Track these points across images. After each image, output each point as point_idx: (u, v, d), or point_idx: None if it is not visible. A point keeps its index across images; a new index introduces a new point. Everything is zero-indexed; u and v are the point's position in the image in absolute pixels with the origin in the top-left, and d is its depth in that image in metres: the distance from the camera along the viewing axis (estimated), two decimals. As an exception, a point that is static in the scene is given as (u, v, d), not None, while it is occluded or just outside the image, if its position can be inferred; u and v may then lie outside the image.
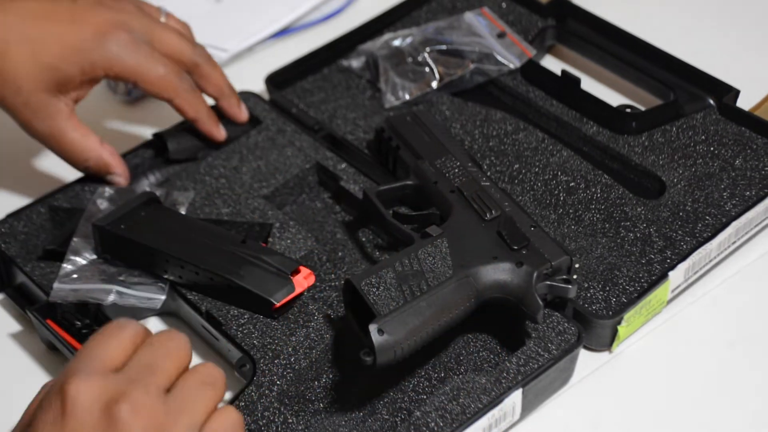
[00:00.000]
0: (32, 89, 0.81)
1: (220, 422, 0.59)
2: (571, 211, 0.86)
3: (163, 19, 0.89)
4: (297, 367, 0.75)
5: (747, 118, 0.89)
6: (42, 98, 0.82)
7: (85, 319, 0.78)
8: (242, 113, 0.92)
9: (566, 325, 0.76)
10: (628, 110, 0.93)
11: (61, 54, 0.81)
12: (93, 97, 1.01)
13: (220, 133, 0.90)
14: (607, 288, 0.79)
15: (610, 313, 0.78)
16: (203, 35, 1.06)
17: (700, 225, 0.82)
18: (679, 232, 0.82)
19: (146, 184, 0.89)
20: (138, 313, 0.81)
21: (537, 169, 0.88)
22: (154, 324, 0.82)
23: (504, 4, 1.03)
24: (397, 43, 0.99)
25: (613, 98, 0.98)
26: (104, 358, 0.59)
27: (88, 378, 0.57)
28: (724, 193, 0.84)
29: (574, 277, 0.78)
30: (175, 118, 0.90)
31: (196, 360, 0.80)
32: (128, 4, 0.86)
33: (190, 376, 0.60)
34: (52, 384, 0.59)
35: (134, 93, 1.01)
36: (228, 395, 0.77)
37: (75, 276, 0.79)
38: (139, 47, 0.83)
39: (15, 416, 0.78)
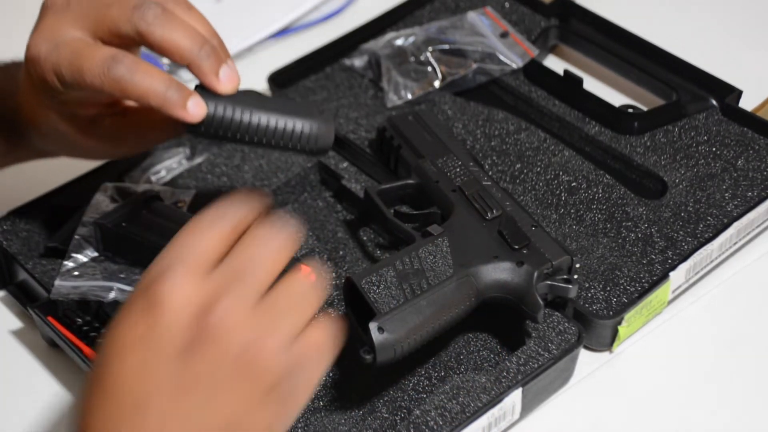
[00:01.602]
0: None
1: (318, 334, 0.56)
2: (572, 210, 0.86)
3: None
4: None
5: (749, 119, 0.89)
6: None
7: (86, 317, 0.78)
8: (220, 82, 0.68)
9: (566, 324, 0.76)
10: (631, 110, 0.93)
11: None
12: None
13: (187, 114, 0.67)
14: (608, 288, 0.79)
15: (611, 313, 0.78)
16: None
17: (701, 225, 0.82)
18: (681, 232, 0.82)
19: (148, 182, 0.89)
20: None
21: (539, 169, 0.88)
22: (155, 322, 0.82)
23: (507, 4, 1.03)
24: (399, 42, 0.99)
25: (616, 98, 0.97)
26: (200, 254, 0.55)
27: (181, 278, 0.53)
28: (726, 194, 0.84)
29: (575, 276, 0.78)
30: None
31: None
32: None
33: (289, 281, 0.56)
34: (142, 280, 0.55)
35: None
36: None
37: (76, 273, 0.79)
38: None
39: (16, 415, 0.78)
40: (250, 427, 0.54)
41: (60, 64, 0.68)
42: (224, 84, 0.68)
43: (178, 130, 0.73)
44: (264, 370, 0.54)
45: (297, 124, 0.69)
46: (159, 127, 0.74)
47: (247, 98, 0.70)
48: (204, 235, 0.56)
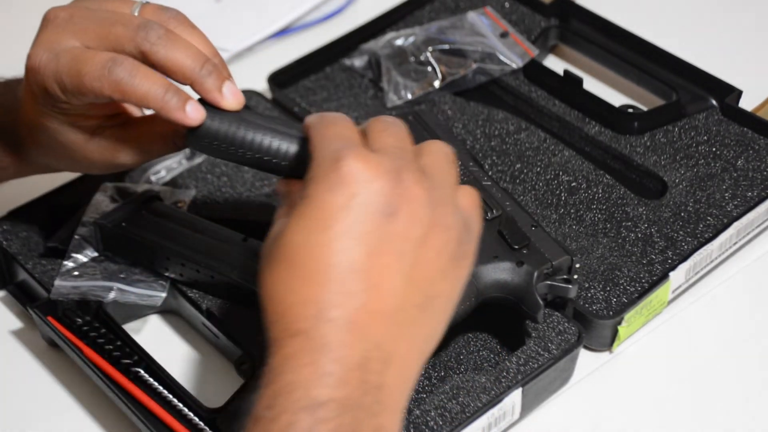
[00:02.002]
0: None
1: (469, 198, 0.62)
2: (572, 210, 0.86)
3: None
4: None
5: (749, 119, 0.89)
6: None
7: (86, 317, 0.78)
8: (224, 99, 0.69)
9: (566, 324, 0.75)
10: (631, 110, 0.93)
11: None
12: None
13: (186, 117, 0.68)
14: (608, 288, 0.79)
15: (611, 313, 0.78)
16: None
17: (701, 225, 0.82)
18: (681, 232, 0.82)
19: (148, 182, 0.89)
20: (138, 310, 0.81)
21: (539, 169, 0.88)
22: (155, 322, 0.82)
23: (507, 4, 1.03)
24: (399, 42, 0.99)
25: (616, 98, 0.98)
26: (357, 138, 0.60)
27: (364, 154, 0.58)
28: (726, 194, 0.84)
29: (575, 276, 0.78)
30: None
31: (195, 357, 0.80)
32: None
33: (432, 150, 0.62)
34: (319, 165, 0.58)
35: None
36: (228, 394, 0.77)
37: (76, 273, 0.79)
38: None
39: (15, 415, 0.78)
40: (444, 286, 0.60)
41: (60, 71, 0.68)
42: (228, 99, 0.69)
43: (177, 143, 0.74)
44: (449, 230, 0.59)
45: (292, 147, 0.68)
46: (159, 140, 0.74)
47: (248, 115, 0.70)
48: (346, 126, 0.61)
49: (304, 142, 0.66)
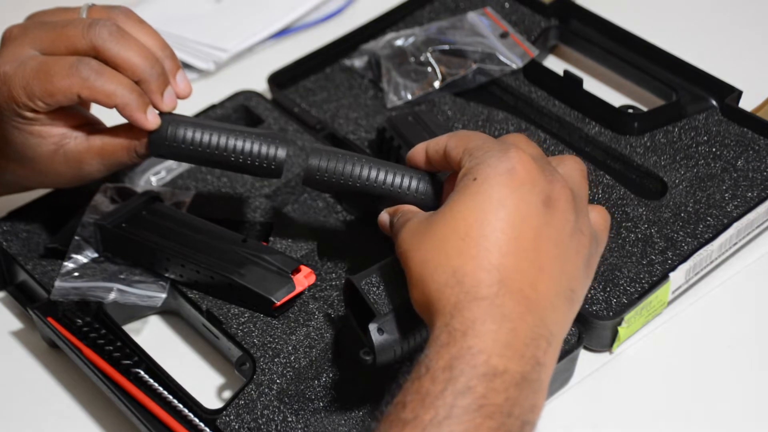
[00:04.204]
0: None
1: (600, 218, 0.68)
2: (572, 211, 0.86)
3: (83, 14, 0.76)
4: (297, 365, 0.75)
5: (749, 119, 0.89)
6: None
7: (86, 318, 0.78)
8: (164, 102, 0.75)
9: (566, 325, 0.75)
10: (631, 111, 0.93)
11: None
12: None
13: (146, 120, 0.74)
14: (608, 289, 0.79)
15: (611, 313, 0.78)
16: (203, 35, 1.06)
17: (701, 226, 0.82)
18: (681, 232, 0.82)
19: (148, 183, 0.89)
20: (138, 311, 0.81)
21: (539, 170, 0.88)
22: (155, 322, 0.82)
23: (507, 4, 1.03)
24: (399, 42, 0.99)
25: (616, 99, 0.97)
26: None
27: (526, 153, 0.64)
28: (726, 194, 0.84)
29: (575, 277, 0.78)
30: (185, 112, 0.90)
31: (195, 357, 0.80)
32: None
33: (568, 166, 0.68)
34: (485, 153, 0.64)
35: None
36: (228, 393, 0.78)
37: (76, 274, 0.79)
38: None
39: (15, 415, 0.78)
40: (580, 282, 0.64)
41: (27, 77, 0.72)
42: (166, 104, 0.75)
43: (140, 154, 0.76)
44: (586, 236, 0.65)
45: (255, 145, 0.75)
46: (122, 150, 0.76)
47: (208, 121, 0.76)
48: (485, 137, 0.68)
49: (264, 139, 0.75)
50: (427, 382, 0.58)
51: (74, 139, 0.76)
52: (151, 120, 0.74)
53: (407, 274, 0.64)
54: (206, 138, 0.75)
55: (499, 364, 0.58)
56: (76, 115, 0.76)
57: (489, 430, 0.57)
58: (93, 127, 0.77)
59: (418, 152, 0.72)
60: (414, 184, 0.73)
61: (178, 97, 0.76)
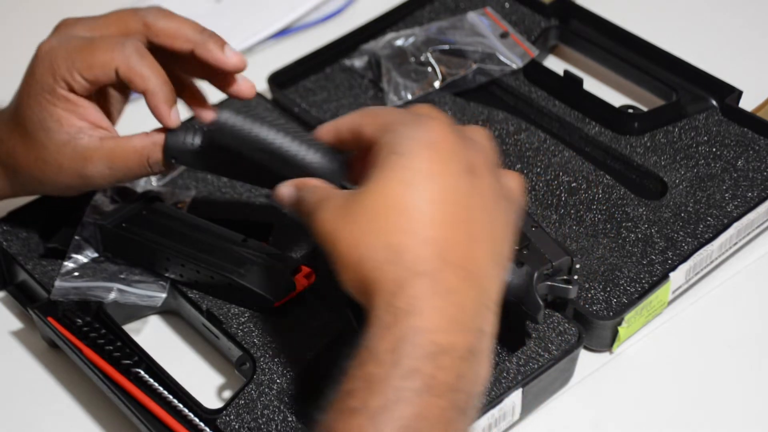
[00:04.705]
0: None
1: (514, 182, 0.66)
2: (572, 211, 0.86)
3: None
4: (297, 365, 0.75)
5: (749, 119, 0.89)
6: None
7: (86, 317, 0.78)
8: (227, 57, 0.74)
9: (567, 325, 0.75)
10: (631, 111, 0.93)
11: None
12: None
13: (168, 114, 0.75)
14: (608, 288, 0.79)
15: (611, 313, 0.78)
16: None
17: (701, 226, 0.82)
18: (681, 233, 0.82)
19: (148, 183, 0.89)
20: (138, 311, 0.81)
21: (539, 170, 0.88)
22: (155, 322, 0.82)
23: (507, 4, 1.03)
24: (399, 42, 0.99)
25: (616, 99, 0.97)
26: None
27: (442, 120, 0.63)
28: (726, 194, 0.84)
29: (575, 277, 0.78)
30: (185, 112, 0.90)
31: (195, 357, 0.80)
32: None
33: (477, 133, 0.66)
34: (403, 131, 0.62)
35: (135, 93, 1.00)
36: (228, 393, 0.78)
37: (76, 274, 0.79)
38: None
39: (15, 415, 0.78)
40: (508, 245, 0.63)
41: (71, 49, 0.74)
42: (231, 58, 0.74)
43: (150, 164, 0.75)
44: (508, 198, 0.64)
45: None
46: (133, 156, 0.75)
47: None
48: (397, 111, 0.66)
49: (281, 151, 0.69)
50: (372, 367, 0.56)
51: (88, 136, 0.75)
52: (173, 117, 0.74)
53: (334, 257, 0.61)
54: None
55: (445, 341, 0.57)
56: (99, 117, 0.76)
57: (438, 409, 0.56)
58: (109, 130, 0.77)
59: (327, 131, 0.69)
60: (326, 159, 0.69)
61: (235, 70, 0.75)
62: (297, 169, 0.69)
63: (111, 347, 0.76)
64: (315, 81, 0.99)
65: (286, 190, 0.68)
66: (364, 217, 0.60)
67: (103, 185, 0.78)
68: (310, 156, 0.69)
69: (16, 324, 0.84)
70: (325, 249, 0.62)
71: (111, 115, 0.80)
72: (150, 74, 0.73)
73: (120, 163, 0.75)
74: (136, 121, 0.80)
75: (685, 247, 0.81)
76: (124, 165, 0.75)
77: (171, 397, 0.73)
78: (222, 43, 0.74)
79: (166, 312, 0.83)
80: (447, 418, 0.56)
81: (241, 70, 0.75)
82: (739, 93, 0.91)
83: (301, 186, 0.67)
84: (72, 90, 0.74)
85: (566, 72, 0.95)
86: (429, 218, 0.59)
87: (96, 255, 0.81)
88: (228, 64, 0.74)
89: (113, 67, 0.73)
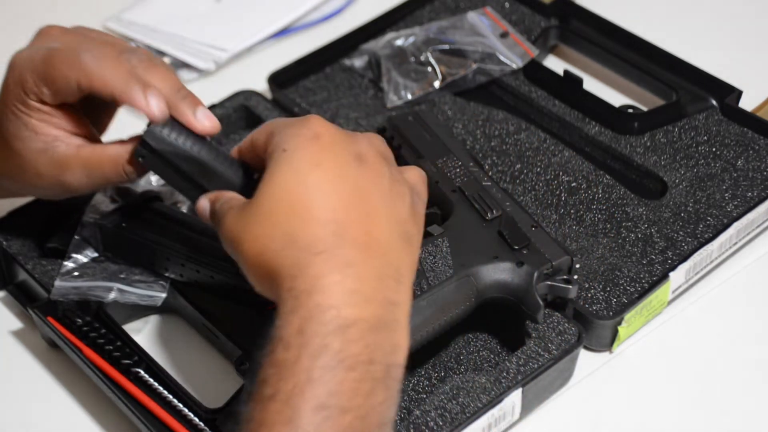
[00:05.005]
0: None
1: (413, 173, 0.69)
2: (572, 211, 0.86)
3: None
4: (297, 365, 0.75)
5: (749, 119, 0.89)
6: None
7: (86, 317, 0.78)
8: (198, 121, 0.71)
9: (566, 325, 0.75)
10: (631, 110, 0.93)
11: None
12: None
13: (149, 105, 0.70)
14: (608, 288, 0.79)
15: (611, 313, 0.78)
16: (203, 35, 1.06)
17: (701, 226, 0.82)
18: (681, 232, 0.82)
19: (148, 182, 0.89)
20: (139, 311, 0.81)
21: (539, 169, 0.88)
22: (155, 322, 0.82)
23: (507, 4, 1.03)
24: (399, 42, 0.99)
25: (616, 98, 0.98)
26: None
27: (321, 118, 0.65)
28: (726, 194, 0.84)
29: (575, 277, 0.78)
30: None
31: (195, 357, 0.80)
32: None
33: (368, 137, 0.67)
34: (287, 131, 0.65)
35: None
36: (228, 393, 0.77)
37: (76, 274, 0.79)
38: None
39: (15, 415, 0.78)
40: (412, 225, 0.65)
41: (39, 60, 0.72)
42: (201, 122, 0.71)
43: (126, 172, 0.73)
44: (405, 185, 0.66)
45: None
46: (109, 164, 0.74)
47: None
48: (284, 119, 0.68)
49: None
50: (281, 352, 0.57)
51: (65, 144, 0.74)
52: (152, 105, 0.70)
53: (241, 261, 0.63)
54: (199, 147, 0.70)
55: (350, 314, 0.58)
56: (77, 124, 0.75)
57: (353, 381, 0.57)
58: (86, 138, 0.75)
59: (234, 151, 0.71)
60: (239, 173, 0.70)
61: (206, 134, 0.72)
62: (216, 182, 0.70)
63: (111, 347, 0.76)
64: (315, 81, 0.99)
65: (202, 202, 0.70)
66: (261, 215, 0.62)
67: (84, 191, 0.76)
68: (224, 168, 0.70)
69: (16, 324, 0.84)
70: (233, 256, 0.64)
71: (100, 120, 0.79)
72: (111, 77, 0.70)
73: (96, 170, 0.73)
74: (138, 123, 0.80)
75: (685, 247, 0.81)
76: (101, 173, 0.74)
77: (171, 396, 0.73)
78: (196, 104, 0.72)
79: (166, 312, 0.83)
80: (364, 390, 0.57)
81: (212, 134, 0.72)
82: (739, 93, 0.91)
83: (213, 199, 0.69)
84: (42, 101, 0.72)
85: (566, 72, 0.95)
86: (321, 203, 0.61)
87: (96, 255, 0.81)
88: (197, 128, 0.71)
89: (73, 80, 0.70)
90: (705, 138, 0.89)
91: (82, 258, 0.80)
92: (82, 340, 0.76)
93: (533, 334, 0.75)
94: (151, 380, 0.74)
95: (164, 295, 0.79)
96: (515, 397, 0.72)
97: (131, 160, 0.72)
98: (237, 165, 0.71)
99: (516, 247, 0.74)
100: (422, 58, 0.97)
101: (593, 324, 0.77)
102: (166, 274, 0.80)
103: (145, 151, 0.71)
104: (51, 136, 0.74)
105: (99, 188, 0.78)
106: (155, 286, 0.79)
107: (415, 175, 0.69)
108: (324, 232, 0.60)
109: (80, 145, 0.74)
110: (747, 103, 0.91)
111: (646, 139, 0.90)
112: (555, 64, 1.02)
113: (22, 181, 0.77)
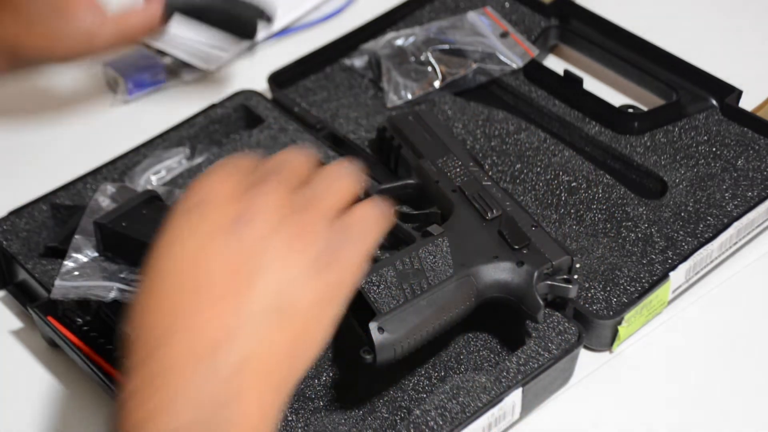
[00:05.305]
0: None
1: (361, 211, 0.59)
2: (572, 211, 0.86)
3: None
4: (297, 365, 0.75)
5: (749, 119, 0.89)
6: None
7: (86, 317, 0.78)
8: None
9: (567, 324, 0.75)
10: (631, 110, 0.93)
11: None
12: (93, 96, 1.01)
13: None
14: (608, 288, 0.79)
15: (611, 313, 0.78)
16: (203, 35, 1.06)
17: (701, 225, 0.82)
18: (681, 232, 0.82)
19: (148, 182, 0.89)
20: (139, 310, 0.81)
21: (539, 169, 0.88)
22: (155, 322, 0.82)
23: (507, 4, 1.03)
24: (399, 42, 0.99)
25: (616, 98, 0.98)
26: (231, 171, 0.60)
27: (221, 176, 0.58)
28: (726, 194, 0.84)
29: (575, 276, 0.78)
30: (184, 111, 0.90)
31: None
32: None
33: (324, 174, 0.60)
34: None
35: (134, 92, 1.01)
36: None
37: (76, 273, 0.79)
38: None
39: (15, 414, 0.78)
40: (299, 296, 0.56)
41: None
42: None
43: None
44: (308, 239, 0.57)
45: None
46: (136, 20, 0.86)
47: None
48: (223, 172, 0.60)
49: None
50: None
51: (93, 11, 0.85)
52: None
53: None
54: None
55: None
56: None
57: None
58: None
59: None
60: None
61: None
62: None
63: (111, 346, 0.76)
64: (315, 81, 0.99)
65: None
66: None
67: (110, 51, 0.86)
68: None
69: (16, 323, 0.84)
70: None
71: None
72: None
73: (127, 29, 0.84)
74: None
75: (685, 247, 0.81)
76: (131, 30, 0.85)
77: (171, 396, 0.73)
78: None
79: (166, 311, 0.82)
80: None
81: None
82: (739, 93, 0.91)
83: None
84: None
85: (566, 71, 0.95)
86: (158, 288, 0.57)
87: (96, 254, 0.81)
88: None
89: None
90: (705, 138, 0.89)
91: (82, 257, 0.80)
92: (83, 340, 0.76)
93: (533, 334, 0.75)
94: (151, 380, 0.74)
95: (164, 294, 0.79)
96: (515, 397, 0.72)
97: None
98: None
99: (516, 247, 0.74)
100: (422, 57, 0.97)
101: (593, 324, 0.77)
102: (166, 274, 0.79)
103: None
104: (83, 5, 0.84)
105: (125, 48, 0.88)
106: (155, 285, 0.79)
107: (362, 213, 0.60)
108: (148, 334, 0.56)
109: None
110: (747, 103, 0.91)
111: (646, 138, 0.90)
112: (555, 64, 1.02)
113: (51, 51, 0.85)
